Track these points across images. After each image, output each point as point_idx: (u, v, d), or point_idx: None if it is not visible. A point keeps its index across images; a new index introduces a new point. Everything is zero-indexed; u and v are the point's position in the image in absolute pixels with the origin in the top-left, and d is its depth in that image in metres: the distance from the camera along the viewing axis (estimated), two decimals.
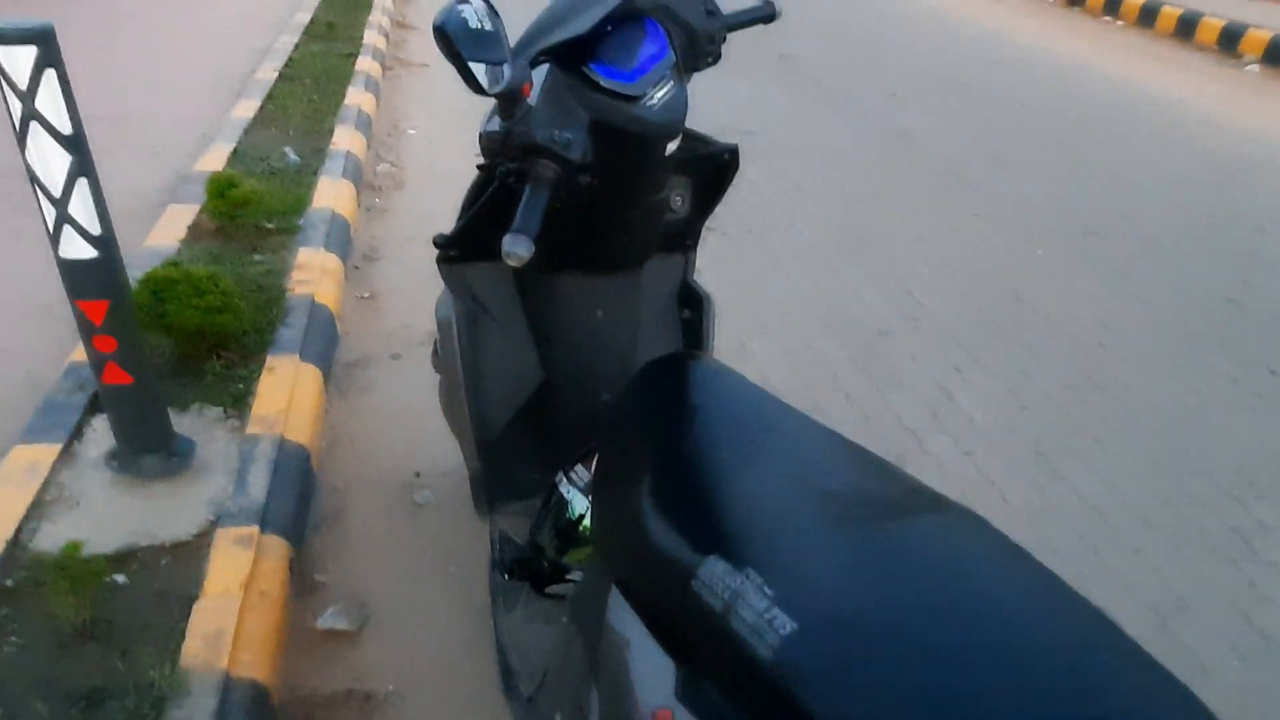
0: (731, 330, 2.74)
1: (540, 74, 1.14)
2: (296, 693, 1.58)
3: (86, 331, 1.65)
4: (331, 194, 3.31)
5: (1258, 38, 6.29)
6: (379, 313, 2.85)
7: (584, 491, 1.32)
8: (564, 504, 1.35)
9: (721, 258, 3.20)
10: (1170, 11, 6.99)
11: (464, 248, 1.38)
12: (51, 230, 1.55)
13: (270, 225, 2.99)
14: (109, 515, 1.74)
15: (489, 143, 1.13)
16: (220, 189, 2.88)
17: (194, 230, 2.94)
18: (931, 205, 3.84)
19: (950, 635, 0.64)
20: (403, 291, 2.94)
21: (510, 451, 1.51)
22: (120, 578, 1.62)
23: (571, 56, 1.14)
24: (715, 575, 0.73)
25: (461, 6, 0.97)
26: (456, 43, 0.93)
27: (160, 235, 2.89)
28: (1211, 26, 6.63)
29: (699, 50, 1.29)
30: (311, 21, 5.81)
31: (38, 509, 1.75)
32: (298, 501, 1.90)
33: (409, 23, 6.55)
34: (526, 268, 1.00)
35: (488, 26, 0.98)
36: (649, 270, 1.44)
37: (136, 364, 1.71)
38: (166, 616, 1.54)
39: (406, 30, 6.37)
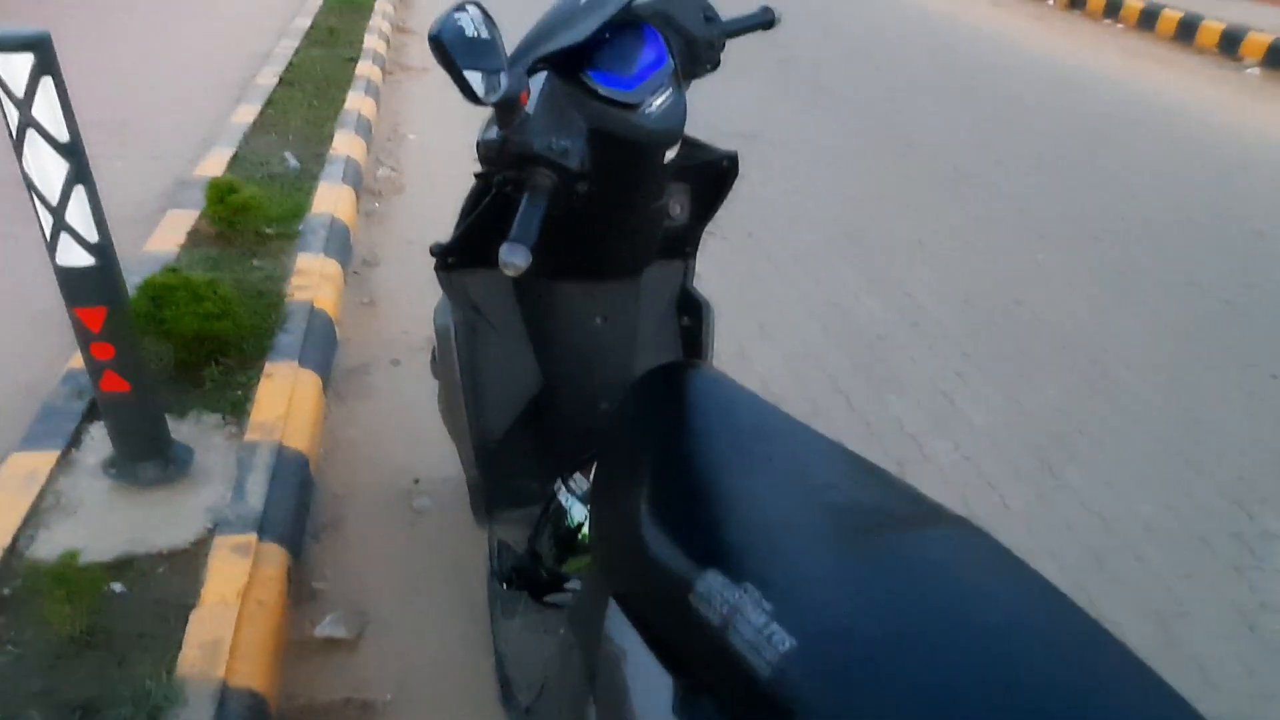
0: (731, 334, 2.74)
1: (538, 82, 1.14)
2: (294, 702, 1.57)
3: (84, 339, 1.64)
4: (331, 199, 3.31)
5: (1258, 40, 6.29)
6: (378, 318, 2.84)
7: (582, 500, 1.31)
8: (563, 512, 1.34)
9: (721, 261, 3.19)
10: (1170, 14, 6.99)
11: (462, 255, 1.37)
12: (49, 238, 1.54)
13: (270, 231, 2.98)
14: (106, 523, 1.74)
15: (486, 151, 1.12)
16: (220, 194, 2.88)
17: (193, 236, 2.94)
18: (932, 208, 3.84)
19: (950, 652, 0.63)
20: (402, 297, 2.94)
21: (509, 459, 1.51)
22: (117, 586, 1.61)
23: (569, 64, 1.13)
24: (713, 589, 0.72)
25: (458, 15, 0.96)
26: (453, 51, 0.93)
27: (159, 241, 2.88)
28: (1212, 29, 6.63)
29: (698, 57, 1.28)
30: (312, 26, 5.82)
31: (35, 516, 1.74)
32: (296, 509, 1.89)
33: (409, 27, 6.56)
34: (525, 275, 0.99)
35: (484, 34, 0.97)
36: (648, 277, 1.43)
37: (134, 371, 1.71)
38: (164, 625, 1.54)
39: (407, 35, 6.37)
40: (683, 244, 1.47)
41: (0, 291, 2.64)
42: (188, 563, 1.68)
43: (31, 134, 1.43)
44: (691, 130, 1.22)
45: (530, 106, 1.08)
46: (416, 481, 2.11)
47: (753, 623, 0.68)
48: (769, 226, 3.56)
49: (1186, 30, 6.83)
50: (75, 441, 1.95)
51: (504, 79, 0.99)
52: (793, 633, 0.65)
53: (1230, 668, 1.80)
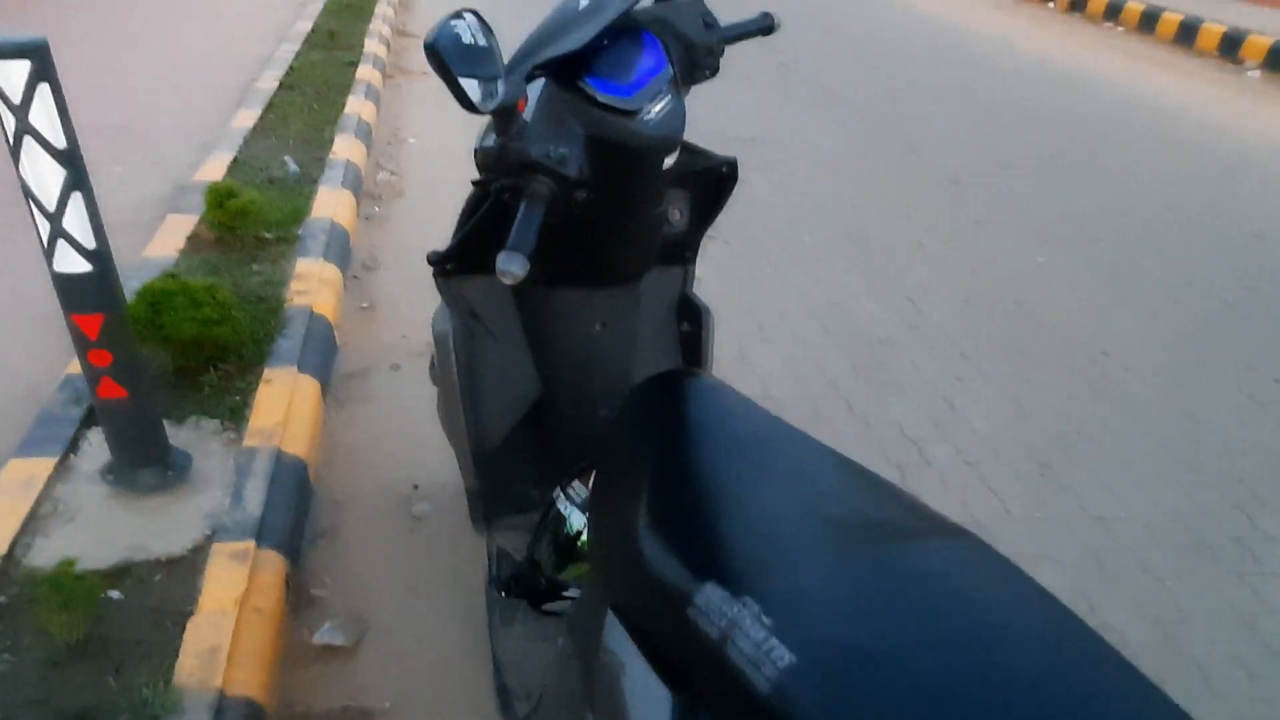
0: (731, 338, 2.73)
1: (536, 89, 1.13)
2: (292, 710, 1.56)
3: (81, 346, 1.64)
4: (331, 203, 3.30)
5: (1258, 43, 6.28)
6: (378, 323, 2.84)
7: (581, 508, 1.31)
8: (562, 520, 1.34)
9: (721, 264, 3.19)
10: (1171, 17, 6.98)
11: (461, 261, 1.36)
12: (46, 244, 1.54)
13: (269, 235, 2.98)
14: (104, 530, 1.73)
15: (484, 159, 1.11)
16: (219, 199, 2.88)
17: (193, 240, 2.93)
18: (933, 211, 3.83)
19: (951, 669, 0.63)
20: (402, 301, 2.94)
21: (507, 467, 1.50)
22: (115, 593, 1.61)
23: (567, 71, 1.13)
24: (712, 603, 0.71)
25: (454, 22, 0.96)
26: (449, 59, 0.92)
27: (159, 246, 2.88)
28: (1212, 32, 6.62)
29: (697, 63, 1.28)
30: (313, 30, 5.82)
31: (33, 523, 1.73)
32: (295, 515, 1.89)
33: (410, 31, 6.56)
34: (523, 282, 0.99)
35: (481, 41, 0.97)
36: (647, 283, 1.42)
37: (132, 378, 1.70)
38: (161, 633, 1.53)
39: (407, 38, 6.37)
40: (682, 250, 1.46)
41: None
42: (186, 570, 1.67)
43: (29, 141, 1.43)
44: (691, 134, 1.22)
45: (528, 114, 1.08)
46: (416, 487, 2.11)
47: (752, 637, 0.67)
48: (769, 229, 3.56)
49: (1187, 33, 6.83)
50: (73, 448, 1.94)
51: (501, 86, 0.98)
52: (793, 649, 0.65)
53: (1231, 672, 1.79)
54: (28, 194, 1.49)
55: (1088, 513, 2.18)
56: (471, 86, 0.94)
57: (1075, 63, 6.37)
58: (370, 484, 2.13)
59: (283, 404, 2.13)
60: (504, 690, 1.36)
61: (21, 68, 1.37)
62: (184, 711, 1.38)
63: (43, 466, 1.86)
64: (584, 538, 1.29)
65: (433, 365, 1.65)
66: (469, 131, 1.17)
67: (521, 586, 1.36)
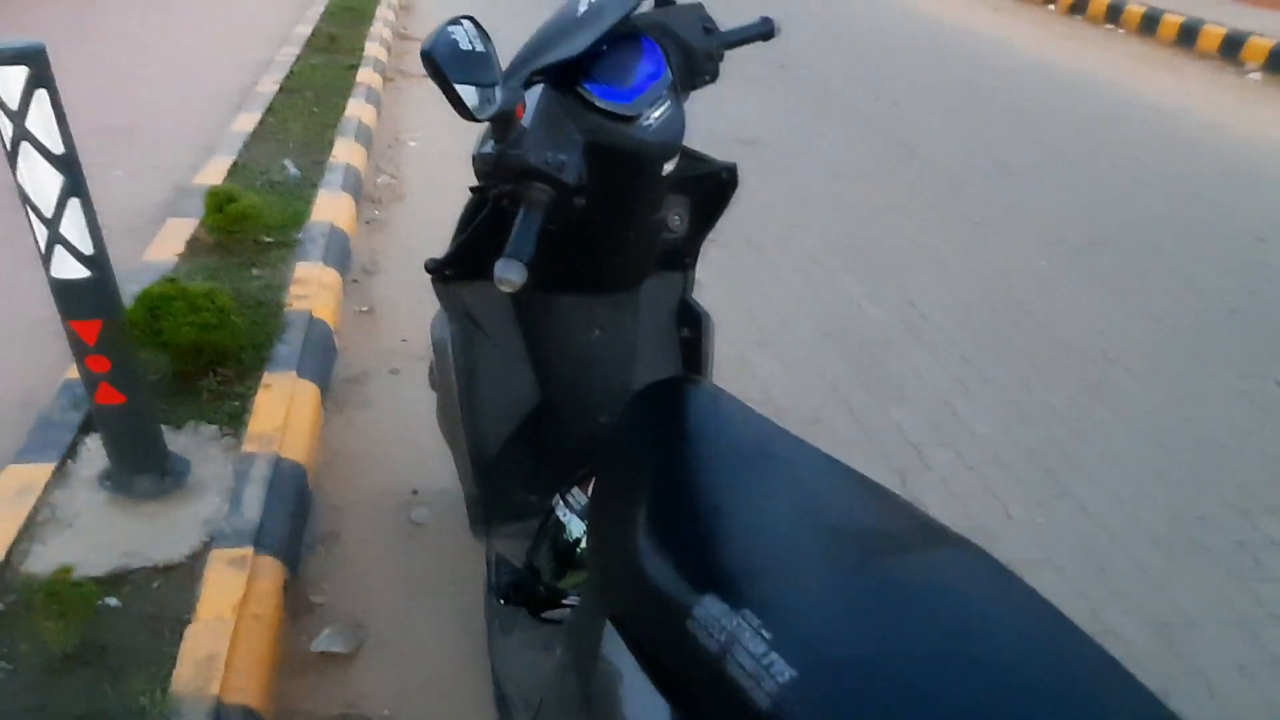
0: (731, 342, 2.73)
1: (534, 95, 1.12)
2: (290, 718, 1.55)
3: (79, 352, 1.63)
4: (331, 207, 3.30)
5: (1259, 45, 6.28)
6: (377, 327, 2.83)
7: (581, 515, 1.30)
8: (561, 527, 1.33)
9: (721, 268, 3.18)
10: (1172, 19, 6.98)
11: (459, 267, 1.36)
12: (43, 250, 1.53)
13: (269, 239, 2.98)
14: (102, 536, 1.73)
15: (482, 165, 1.11)
16: (218, 203, 2.87)
17: (192, 245, 2.93)
18: (933, 215, 3.83)
19: (952, 685, 0.62)
20: (402, 305, 2.93)
21: (507, 473, 1.49)
22: (112, 600, 1.60)
23: (566, 77, 1.12)
24: (711, 616, 0.71)
25: (452, 28, 0.95)
26: (446, 66, 0.92)
27: (159, 250, 2.88)
28: (1213, 34, 6.62)
29: (696, 69, 1.27)
30: (313, 34, 5.82)
31: (30, 530, 1.73)
32: (293, 521, 1.88)
33: (410, 34, 6.56)
34: (522, 288, 0.98)
35: (479, 48, 0.96)
36: (647, 289, 1.42)
37: (130, 384, 1.70)
38: (158, 640, 1.52)
39: (408, 41, 6.37)
40: (682, 255, 1.46)
41: None
42: (183, 577, 1.66)
43: (25, 147, 1.42)
44: (691, 137, 1.21)
45: (526, 120, 1.07)
46: (415, 493, 2.10)
47: (751, 652, 0.66)
48: (769, 233, 3.55)
49: (1188, 35, 6.82)
50: (71, 453, 1.94)
51: (499, 93, 0.98)
52: (793, 663, 0.64)
53: (1234, 680, 1.78)
54: (25, 200, 1.49)
55: (1089, 517, 2.17)
56: (469, 93, 0.94)
57: (1076, 65, 6.36)
58: (369, 489, 2.12)
59: (282, 409, 2.13)
60: (503, 699, 1.35)
61: (18, 74, 1.36)
62: None
63: (40, 472, 1.86)
64: (583, 545, 1.29)
65: (432, 370, 1.65)
66: (469, 134, 1.16)
67: (520, 594, 1.35)
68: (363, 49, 5.54)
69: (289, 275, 2.78)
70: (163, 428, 1.93)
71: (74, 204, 1.50)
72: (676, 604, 0.74)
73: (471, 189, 1.23)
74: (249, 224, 2.92)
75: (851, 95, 5.43)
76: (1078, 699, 0.63)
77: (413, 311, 2.83)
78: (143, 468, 1.81)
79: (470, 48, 0.95)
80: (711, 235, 1.47)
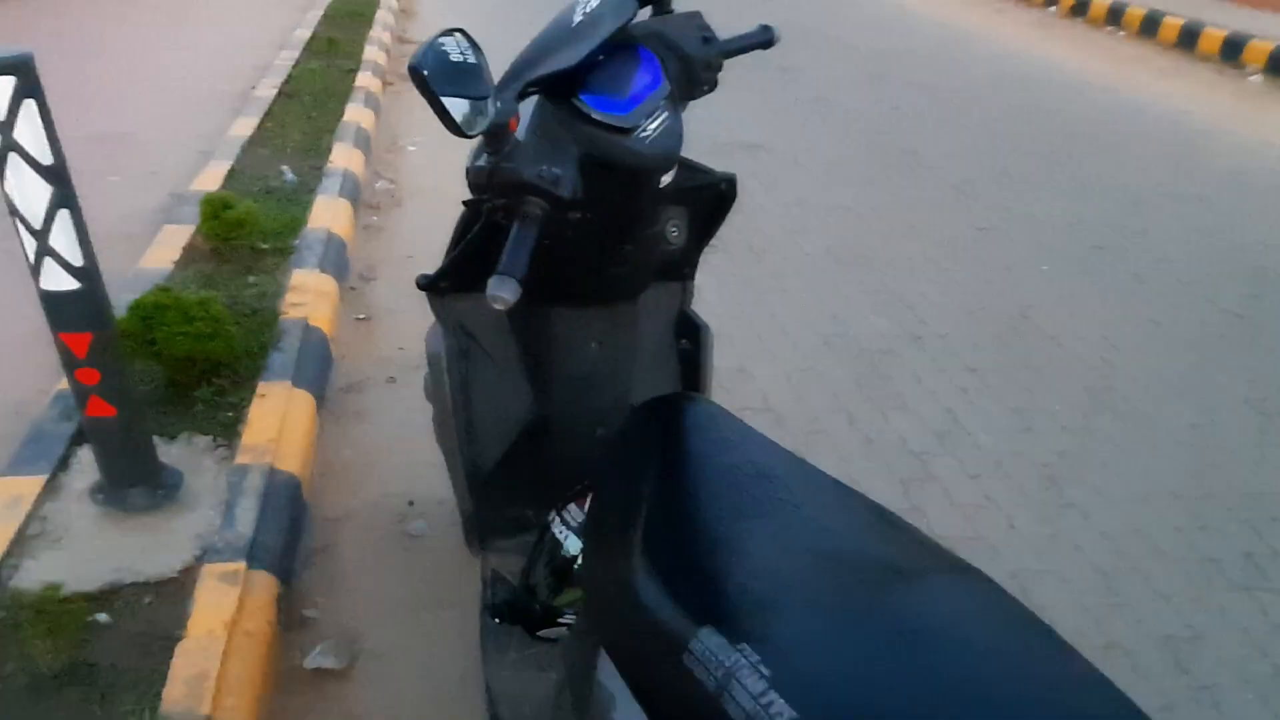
0: (731, 351, 2.70)
1: (528, 107, 1.10)
2: None
3: (69, 364, 1.61)
4: (328, 213, 3.28)
5: (1260, 48, 6.25)
6: (375, 335, 2.81)
7: (577, 533, 1.28)
8: (557, 544, 1.31)
9: (721, 275, 3.16)
10: (1172, 22, 6.96)
11: (454, 279, 1.34)
12: (32, 262, 1.51)
13: (265, 246, 2.95)
14: (92, 551, 1.70)
15: (475, 179, 1.09)
16: (215, 210, 2.85)
17: (188, 252, 2.91)
18: (935, 220, 3.80)
19: None
20: (400, 313, 2.91)
21: (502, 489, 1.47)
22: (102, 616, 1.58)
23: (561, 88, 1.10)
24: (708, 650, 0.68)
25: (442, 40, 0.93)
26: (434, 81, 0.89)
27: (154, 257, 2.85)
28: (1214, 37, 6.60)
29: (694, 78, 1.24)
30: (312, 38, 5.81)
31: (20, 544, 1.70)
32: (287, 534, 1.86)
33: (411, 38, 6.54)
34: (518, 302, 0.96)
35: (470, 59, 0.94)
36: (645, 300, 1.39)
37: (121, 396, 1.67)
38: (149, 658, 1.50)
39: (408, 45, 6.36)
40: (680, 267, 1.43)
41: None
42: (175, 592, 1.64)
43: (13, 158, 1.40)
44: (692, 142, 1.19)
45: (521, 133, 1.05)
46: (411, 504, 2.08)
47: (749, 689, 0.64)
48: (770, 239, 3.53)
49: (1188, 37, 6.80)
50: (63, 466, 1.92)
51: (491, 106, 0.96)
52: (792, 703, 0.62)
53: (1241, 694, 1.76)
54: (13, 211, 1.47)
55: (1094, 529, 2.15)
56: (459, 107, 0.92)
57: (1077, 67, 6.34)
58: (365, 501, 2.10)
59: (276, 420, 2.11)
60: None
61: (6, 84, 1.34)
62: None
63: (31, 485, 1.84)
64: (579, 562, 1.26)
65: (427, 382, 1.62)
66: (469, 139, 1.13)
67: (516, 613, 1.33)
68: (362, 53, 5.52)
69: (285, 282, 2.76)
70: (155, 439, 1.91)
71: (63, 215, 1.48)
72: (673, 636, 0.72)
73: (465, 203, 1.21)
74: (245, 231, 2.90)
75: (853, 100, 5.41)
76: None
77: (411, 319, 2.80)
78: (134, 481, 1.79)
79: (461, 59, 0.93)
80: (711, 241, 1.45)
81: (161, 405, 2.13)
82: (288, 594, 1.77)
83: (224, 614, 1.57)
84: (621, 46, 1.15)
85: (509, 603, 1.35)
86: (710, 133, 4.28)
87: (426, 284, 1.30)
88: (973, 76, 6.07)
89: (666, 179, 1.17)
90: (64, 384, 2.11)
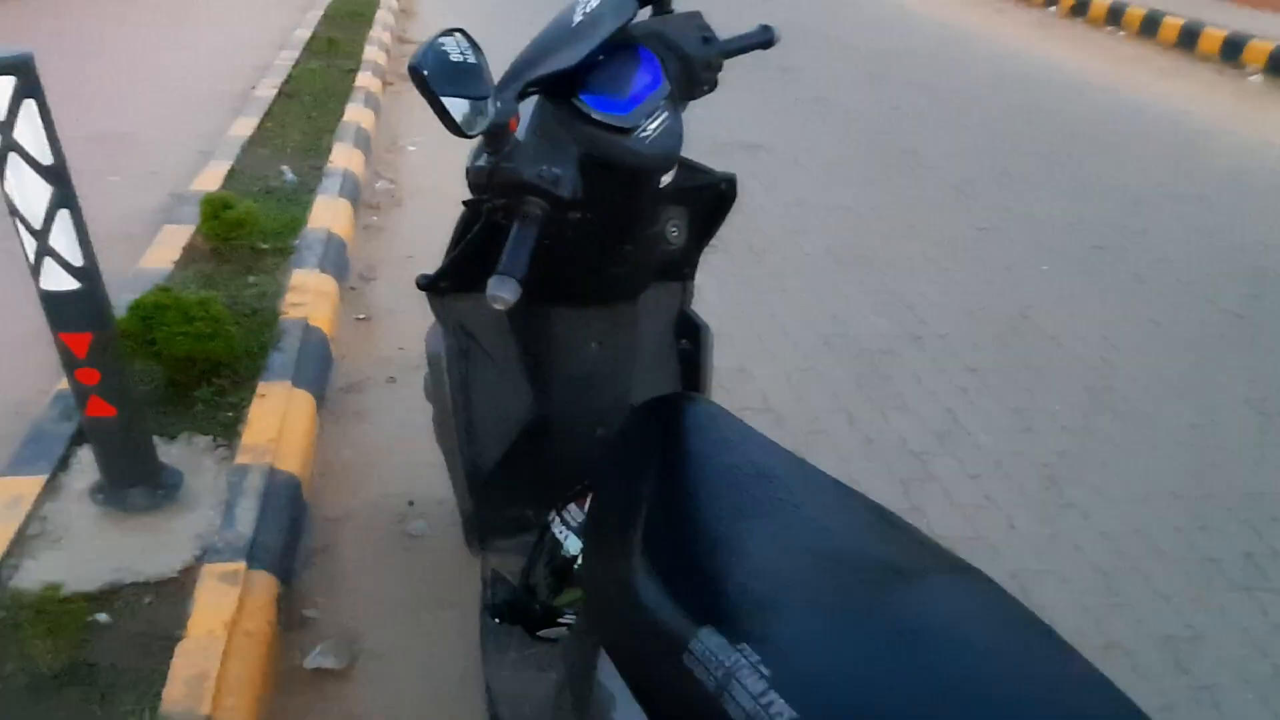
0: (731, 350, 2.70)
1: (528, 107, 1.10)
2: None
3: (69, 364, 1.61)
4: (328, 213, 3.28)
5: (1260, 48, 6.25)
6: (375, 335, 2.81)
7: (577, 533, 1.28)
8: (558, 544, 1.31)
9: (722, 275, 3.16)
10: (1172, 22, 6.96)
11: (454, 279, 1.34)
12: (32, 262, 1.51)
13: (265, 246, 2.95)
14: (93, 551, 1.70)
15: (475, 179, 1.09)
16: (214, 210, 2.85)
17: (188, 252, 2.91)
18: (935, 220, 3.80)
19: None
20: (400, 312, 2.91)
21: (502, 489, 1.47)
22: (102, 616, 1.58)
23: (561, 88, 1.10)
24: (708, 650, 0.68)
25: (442, 39, 0.93)
26: (434, 81, 0.89)
27: (154, 257, 2.85)
28: (1214, 37, 6.59)
29: (694, 78, 1.24)
30: (312, 38, 5.80)
31: (20, 544, 1.70)
32: (287, 534, 1.86)
33: (411, 38, 6.54)
34: (518, 302, 0.96)
35: (470, 59, 0.94)
36: (645, 300, 1.39)
37: (121, 396, 1.67)
38: (149, 658, 1.50)
39: (409, 45, 6.35)
40: (680, 266, 1.43)
41: None
42: (175, 592, 1.64)
43: (13, 158, 1.40)
44: (692, 142, 1.18)
45: (520, 133, 1.05)
46: (411, 504, 2.08)
47: (749, 690, 0.64)
48: (770, 239, 3.53)
49: (1188, 37, 6.80)
50: (63, 465, 1.92)
51: (491, 106, 0.96)
52: (792, 703, 0.62)
53: (1241, 694, 1.76)
54: (13, 211, 1.47)
55: (1093, 529, 2.15)
56: (459, 106, 0.92)
57: (1077, 67, 6.34)
58: (365, 501, 2.10)
59: (276, 419, 2.11)
60: None
61: (6, 84, 1.34)
62: None
63: (31, 485, 1.84)
64: (580, 562, 1.26)
65: (427, 382, 1.62)
66: (469, 140, 1.13)
67: (516, 613, 1.33)
68: (362, 53, 5.52)
69: (285, 282, 2.76)
70: (155, 439, 1.91)
71: (63, 215, 1.48)
72: (673, 636, 0.72)
73: (465, 203, 1.21)
74: (245, 231, 2.90)
75: (853, 100, 5.41)
76: None
77: (411, 319, 2.80)
78: (134, 480, 1.79)
79: (461, 59, 0.93)
80: (711, 241, 1.45)
81: (161, 405, 2.13)
82: (288, 594, 1.77)
83: (224, 614, 1.57)
84: (621, 46, 1.15)
85: (509, 603, 1.35)
86: (710, 133, 4.28)
87: (426, 284, 1.30)
88: (973, 76, 6.07)
89: (666, 179, 1.17)
90: (64, 384, 2.11)
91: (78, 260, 1.53)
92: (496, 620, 1.39)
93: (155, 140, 4.03)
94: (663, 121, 1.12)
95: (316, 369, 2.43)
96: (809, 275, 3.28)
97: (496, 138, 1.00)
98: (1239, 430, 2.54)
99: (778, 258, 3.39)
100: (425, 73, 0.89)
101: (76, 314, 1.57)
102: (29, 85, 1.37)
